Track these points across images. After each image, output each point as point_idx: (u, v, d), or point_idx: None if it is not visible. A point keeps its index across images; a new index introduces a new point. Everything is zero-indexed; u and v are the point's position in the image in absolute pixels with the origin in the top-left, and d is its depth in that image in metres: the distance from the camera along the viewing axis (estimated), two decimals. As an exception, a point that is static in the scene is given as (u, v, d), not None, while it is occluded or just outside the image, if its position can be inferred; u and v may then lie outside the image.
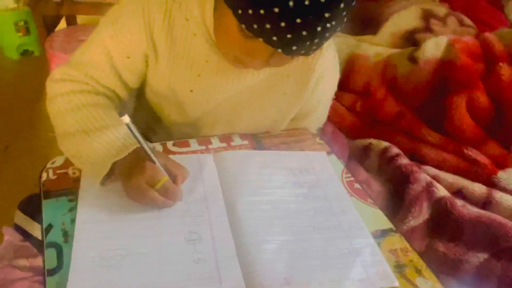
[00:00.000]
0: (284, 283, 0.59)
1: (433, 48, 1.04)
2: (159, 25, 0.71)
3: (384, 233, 0.70)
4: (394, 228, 0.71)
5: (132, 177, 0.63)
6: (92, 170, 0.66)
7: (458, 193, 0.95)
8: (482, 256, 0.85)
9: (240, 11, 0.57)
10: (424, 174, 0.95)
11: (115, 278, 0.57)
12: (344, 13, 0.58)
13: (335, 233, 0.68)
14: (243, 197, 0.71)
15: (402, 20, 1.32)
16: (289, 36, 0.56)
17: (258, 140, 0.86)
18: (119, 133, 0.67)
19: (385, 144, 1.03)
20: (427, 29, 1.29)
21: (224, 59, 0.72)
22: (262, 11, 0.55)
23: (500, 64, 0.98)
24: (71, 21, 2.17)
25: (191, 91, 0.77)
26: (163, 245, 0.62)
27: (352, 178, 0.80)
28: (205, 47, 0.73)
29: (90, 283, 0.56)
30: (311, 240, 0.66)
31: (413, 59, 1.07)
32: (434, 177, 0.96)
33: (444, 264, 0.87)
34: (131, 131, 0.60)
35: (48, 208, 0.64)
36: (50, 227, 0.61)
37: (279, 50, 0.59)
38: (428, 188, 0.93)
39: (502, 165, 0.96)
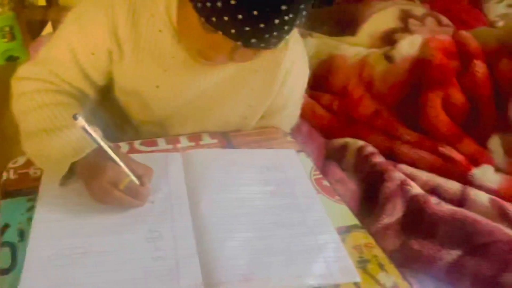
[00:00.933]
0: (244, 280, 0.58)
1: (408, 47, 1.05)
2: (123, 21, 0.71)
3: (349, 229, 0.69)
4: (360, 224, 0.70)
5: (93, 178, 0.62)
6: (52, 170, 0.65)
7: (433, 191, 0.94)
8: (455, 253, 0.85)
9: (199, 4, 0.58)
10: (399, 172, 0.95)
11: (70, 277, 0.56)
12: (302, 7, 0.58)
13: (299, 230, 0.67)
14: (208, 195, 0.70)
15: (380, 20, 1.32)
16: (247, 28, 0.57)
17: (228, 139, 0.86)
18: (79, 133, 0.66)
19: (360, 143, 1.02)
20: (405, 29, 1.30)
21: (190, 56, 0.72)
22: (219, 4, 0.56)
23: (475, 61, 0.98)
24: (57, 26, 2.17)
25: (157, 87, 0.77)
26: (122, 243, 0.61)
27: (321, 176, 0.79)
28: (171, 43, 0.72)
29: (43, 282, 0.55)
30: (275, 236, 0.65)
31: (389, 58, 1.07)
32: (409, 175, 0.96)
33: (418, 261, 0.86)
34: (88, 133, 0.60)
35: (6, 208, 0.64)
36: (6, 226, 0.61)
37: (239, 43, 0.59)
38: (402, 186, 0.93)
39: (477, 162, 0.95)
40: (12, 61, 2.21)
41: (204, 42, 0.63)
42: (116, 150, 0.65)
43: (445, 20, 1.35)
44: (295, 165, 0.80)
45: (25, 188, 0.67)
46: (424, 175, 0.96)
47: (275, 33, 0.58)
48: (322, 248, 0.64)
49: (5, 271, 0.56)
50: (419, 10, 1.37)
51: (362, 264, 0.63)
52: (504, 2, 1.52)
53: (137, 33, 0.72)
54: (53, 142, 0.65)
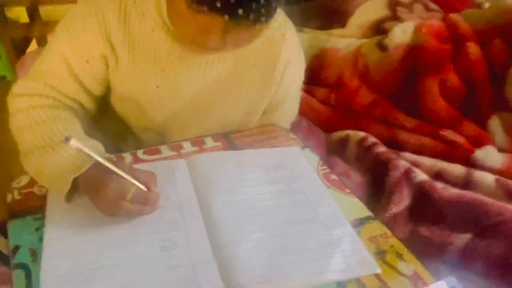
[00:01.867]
0: (263, 281, 0.58)
1: (401, 34, 1.05)
2: (115, 24, 0.70)
3: (363, 221, 0.69)
4: (373, 215, 0.70)
5: (99, 192, 0.61)
6: (55, 187, 0.64)
7: (438, 175, 0.95)
8: (466, 237, 0.85)
9: None
10: (403, 161, 0.95)
11: (87, 293, 0.55)
12: None
13: (313, 226, 0.67)
14: (217, 199, 0.69)
15: (369, 10, 1.33)
16: None
17: (230, 140, 0.85)
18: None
19: (361, 134, 1.02)
20: (395, 17, 1.30)
21: (186, 52, 0.71)
22: None
23: (468, 43, 0.99)
24: (41, 42, 2.14)
25: (157, 87, 0.76)
26: (136, 254, 0.60)
27: (328, 170, 0.79)
28: (166, 41, 0.71)
29: (60, 302, 0.54)
30: (289, 235, 0.65)
31: (382, 47, 1.07)
32: (413, 162, 0.96)
33: (429, 248, 0.86)
34: (83, 152, 0.59)
35: (14, 229, 0.62)
36: (17, 248, 0.59)
37: (226, 17, 0.56)
38: (407, 174, 0.93)
39: (478, 144, 0.96)
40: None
41: (194, 27, 0.60)
42: (118, 161, 0.65)
43: (432, 5, 1.35)
44: (301, 161, 0.80)
45: (31, 208, 0.65)
46: (427, 161, 0.96)
47: (261, 1, 0.55)
48: (338, 243, 0.64)
49: (21, 294, 0.54)
50: (406, -3, 1.37)
51: (380, 255, 0.63)
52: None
53: (130, 35, 0.71)
54: (52, 158, 0.64)
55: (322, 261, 0.61)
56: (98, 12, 0.69)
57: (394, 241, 0.66)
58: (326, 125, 1.12)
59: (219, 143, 0.84)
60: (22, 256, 0.58)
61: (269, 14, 0.59)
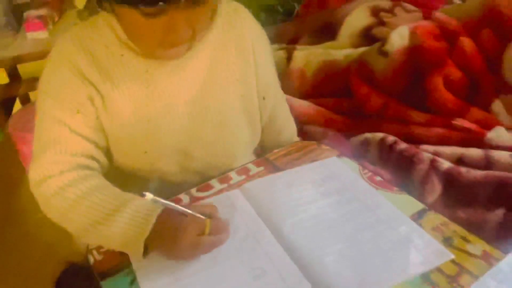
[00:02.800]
0: (359, 287, 0.62)
1: (398, 39, 1.13)
2: (86, 65, 0.72)
3: (421, 214, 0.74)
4: (427, 207, 0.76)
5: (177, 237, 0.63)
6: (128, 251, 0.66)
7: (459, 161, 1.02)
8: (500, 212, 0.92)
9: None
10: (426, 153, 1.01)
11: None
12: None
13: (380, 228, 0.71)
14: (285, 221, 0.73)
15: (355, 20, 1.41)
16: None
17: (272, 163, 0.89)
18: (133, 210, 0.66)
19: (380, 134, 1.09)
20: (380, 23, 1.39)
21: (160, 60, 0.73)
22: None
23: (461, 38, 1.08)
24: (25, 100, 2.11)
25: (147, 105, 0.76)
26: None
27: (371, 173, 0.84)
28: (138, 60, 0.73)
29: None
30: (362, 240, 0.69)
31: (384, 53, 1.15)
32: (434, 153, 1.03)
33: (470, 228, 0.93)
34: (159, 201, 0.64)
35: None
36: (118, 304, 0.61)
37: (141, 6, 0.58)
38: (433, 164, 0.99)
39: (488, 126, 1.04)
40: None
41: (154, 32, 0.63)
42: (179, 203, 0.68)
43: (410, 6, 1.46)
44: (344, 170, 0.85)
45: (118, 264, 0.66)
46: (447, 150, 1.04)
47: None
48: (408, 238, 0.69)
49: None
50: (385, 3, 1.47)
51: (448, 242, 0.68)
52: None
53: (103, 69, 0.73)
54: (113, 229, 0.65)
55: (402, 258, 0.66)
56: (66, 62, 0.71)
57: (455, 227, 0.71)
58: (341, 131, 1.18)
59: (262, 168, 0.88)
60: (127, 310, 0.60)
61: None
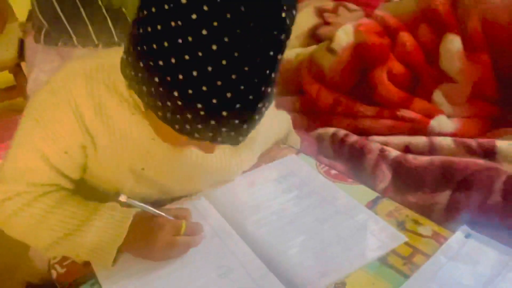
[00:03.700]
0: (322, 275, 0.65)
1: (344, 37, 1.19)
2: (91, 113, 0.65)
3: (375, 202, 0.79)
4: (380, 195, 0.80)
5: (153, 239, 0.65)
6: (98, 259, 0.66)
7: (406, 149, 1.08)
8: (447, 194, 0.99)
9: (167, 115, 0.53)
10: (375, 143, 1.07)
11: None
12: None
13: (338, 218, 0.75)
14: (248, 219, 0.75)
15: (301, 21, 1.46)
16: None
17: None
18: (106, 217, 0.66)
19: (332, 130, 1.13)
20: (325, 23, 1.45)
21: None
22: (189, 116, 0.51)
23: (401, 33, 1.15)
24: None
25: (143, 169, 0.72)
26: (199, 288, 0.64)
27: (327, 167, 0.88)
28: (147, 125, 0.66)
29: None
30: (323, 231, 0.73)
31: (332, 51, 1.20)
32: (383, 143, 1.09)
33: (420, 211, 0.99)
34: (132, 204, 0.65)
35: (75, 301, 0.62)
36: (86, 317, 0.60)
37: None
38: (382, 153, 1.05)
39: (431, 115, 1.12)
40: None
41: (169, 135, 0.57)
42: (152, 206, 0.69)
43: (352, 6, 1.53)
44: (302, 166, 0.88)
45: (81, 276, 0.66)
46: (394, 139, 1.10)
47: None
48: (364, 226, 0.73)
49: None
50: (328, 3, 1.53)
51: (401, 226, 0.73)
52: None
53: (109, 122, 0.66)
54: (88, 236, 0.64)
55: (360, 245, 0.70)
56: (71, 101, 0.64)
57: (407, 211, 0.76)
58: (297, 130, 1.22)
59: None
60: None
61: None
